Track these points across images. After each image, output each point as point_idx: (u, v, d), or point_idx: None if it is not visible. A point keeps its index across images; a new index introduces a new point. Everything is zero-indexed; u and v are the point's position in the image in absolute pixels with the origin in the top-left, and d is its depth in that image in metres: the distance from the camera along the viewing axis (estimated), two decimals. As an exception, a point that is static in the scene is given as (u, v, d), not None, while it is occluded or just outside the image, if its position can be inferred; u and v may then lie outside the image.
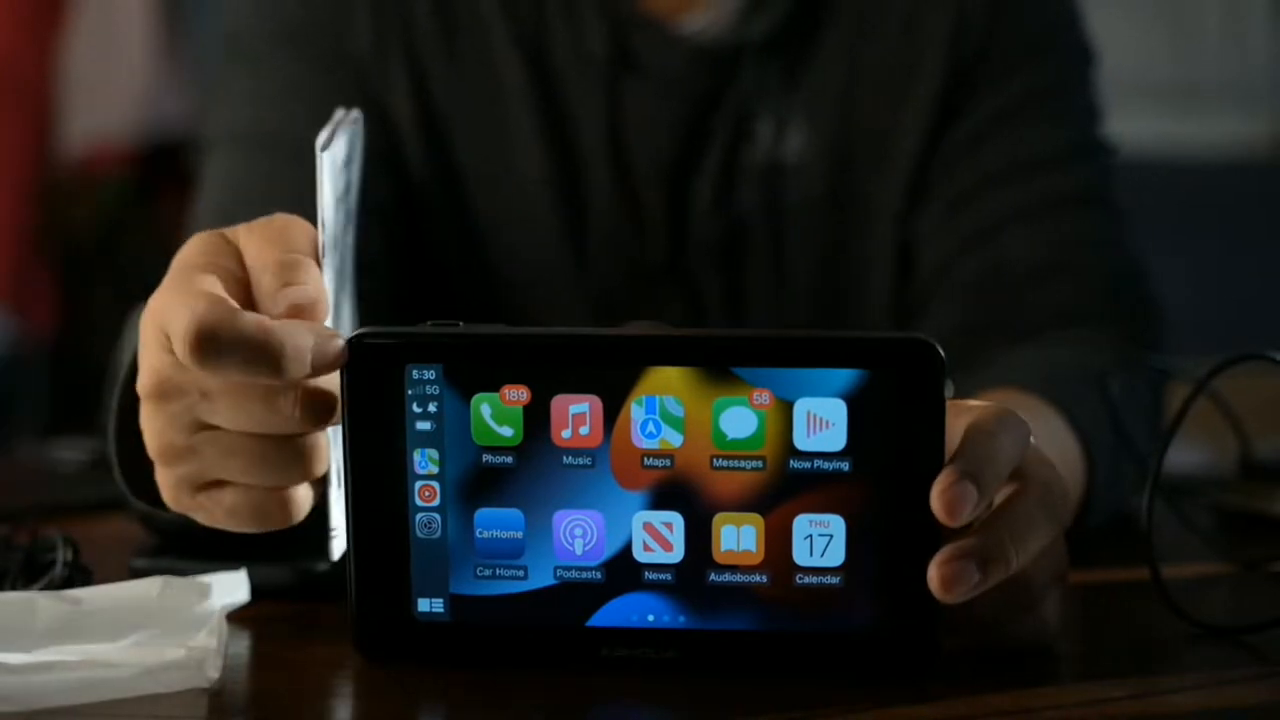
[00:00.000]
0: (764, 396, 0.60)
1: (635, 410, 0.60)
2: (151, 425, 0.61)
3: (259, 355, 0.57)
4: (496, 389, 0.60)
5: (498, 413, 0.60)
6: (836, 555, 0.60)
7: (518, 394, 0.60)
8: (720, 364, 0.60)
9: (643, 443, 0.60)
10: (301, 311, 0.59)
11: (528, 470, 0.61)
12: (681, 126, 1.02)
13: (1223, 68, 2.77)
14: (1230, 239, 2.61)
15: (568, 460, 0.61)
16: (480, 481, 0.61)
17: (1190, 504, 0.87)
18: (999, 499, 0.60)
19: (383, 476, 0.61)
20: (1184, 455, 0.97)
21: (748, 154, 1.02)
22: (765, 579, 0.61)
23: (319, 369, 0.58)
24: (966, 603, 0.59)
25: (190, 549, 0.72)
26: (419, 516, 0.61)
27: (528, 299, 1.04)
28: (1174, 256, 1.41)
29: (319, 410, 0.59)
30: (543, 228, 1.03)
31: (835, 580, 0.60)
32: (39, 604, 0.62)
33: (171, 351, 0.59)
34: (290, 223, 0.61)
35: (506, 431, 0.61)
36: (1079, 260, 0.99)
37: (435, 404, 0.61)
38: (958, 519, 0.58)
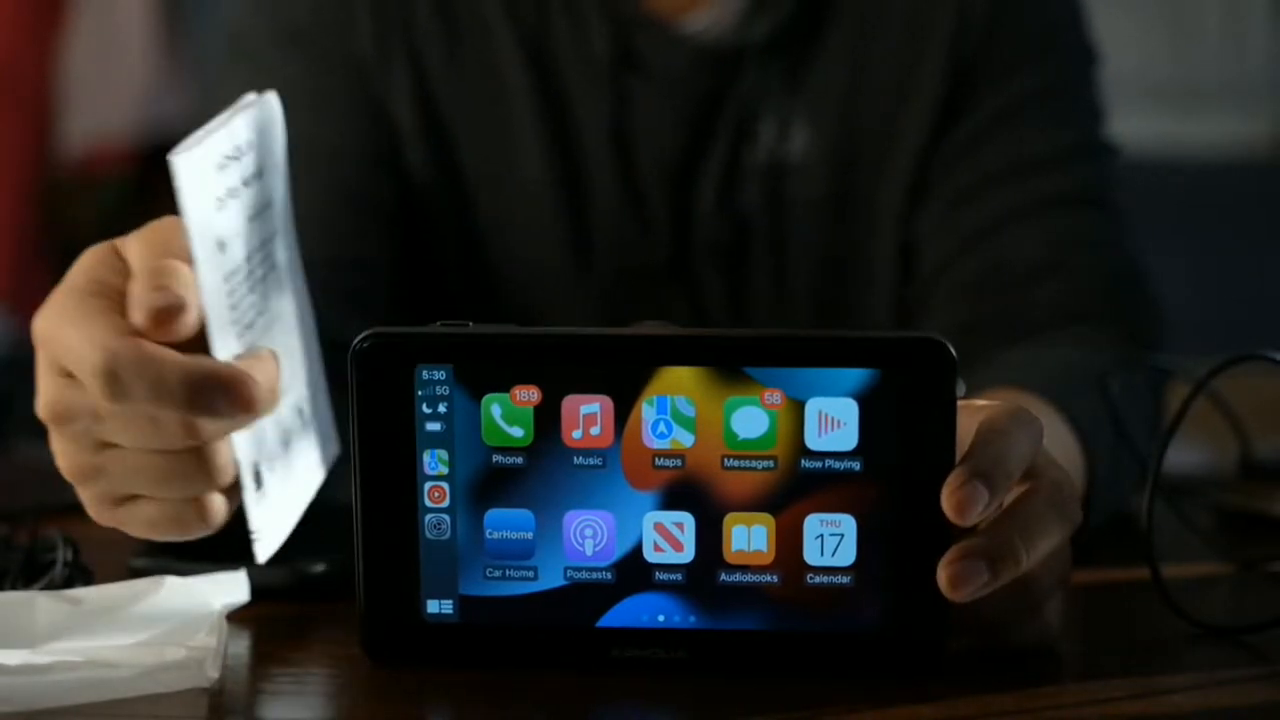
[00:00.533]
0: (775, 396, 0.60)
1: (646, 410, 0.60)
2: (57, 448, 0.61)
3: (167, 394, 0.56)
4: (507, 389, 0.60)
5: (508, 413, 0.61)
6: (847, 555, 0.60)
7: (528, 394, 0.60)
8: (732, 364, 0.60)
9: (654, 443, 0.60)
10: (164, 318, 0.57)
11: (538, 471, 0.61)
12: (684, 127, 1.02)
13: (1223, 68, 2.78)
14: (1230, 239, 2.61)
15: (578, 460, 0.61)
16: (490, 482, 0.61)
17: (1190, 504, 0.87)
18: (1010, 498, 0.60)
19: (392, 477, 0.61)
20: (1184, 455, 0.97)
21: (750, 154, 1.02)
22: (776, 579, 0.61)
23: (234, 411, 0.58)
24: (974, 604, 0.59)
25: (190, 549, 0.71)
26: (428, 518, 0.61)
27: (530, 299, 1.04)
28: (1174, 256, 1.41)
29: (209, 424, 0.58)
30: (545, 228, 1.04)
31: (846, 580, 0.61)
32: (39, 604, 0.62)
33: (64, 376, 0.59)
34: (172, 225, 0.60)
35: (517, 432, 0.61)
36: (1079, 260, 0.99)
37: (445, 404, 0.61)
38: (967, 519, 0.58)
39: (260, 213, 0.62)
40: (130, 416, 0.58)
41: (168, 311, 0.57)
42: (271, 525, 0.61)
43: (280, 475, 0.62)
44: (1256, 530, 0.90)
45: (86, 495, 0.61)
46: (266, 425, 0.61)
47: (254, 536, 0.60)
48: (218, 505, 0.60)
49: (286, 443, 0.62)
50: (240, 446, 0.59)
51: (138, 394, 0.56)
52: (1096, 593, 0.75)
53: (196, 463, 0.59)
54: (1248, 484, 0.94)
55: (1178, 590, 0.68)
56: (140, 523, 0.61)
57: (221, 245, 0.59)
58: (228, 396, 0.57)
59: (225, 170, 0.59)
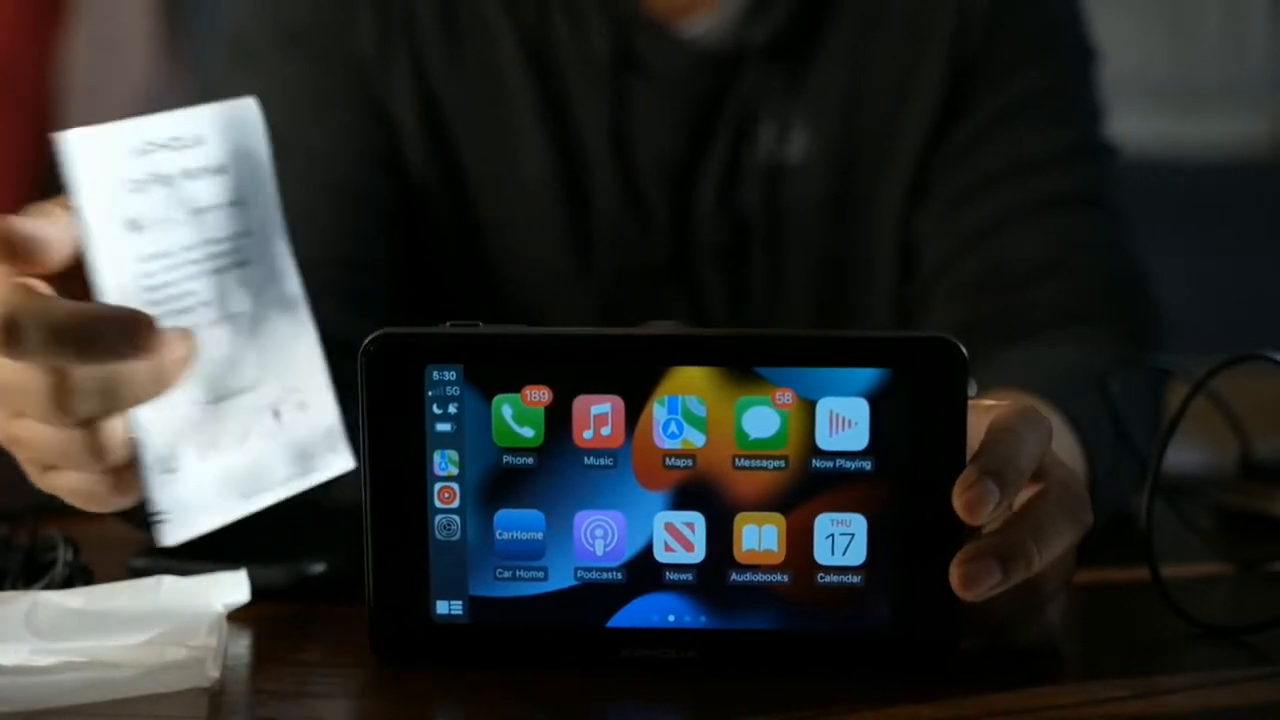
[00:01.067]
0: (787, 396, 0.60)
1: (657, 410, 0.60)
2: None
3: (62, 335, 0.56)
4: (518, 389, 0.61)
5: (519, 413, 0.61)
6: (858, 554, 0.61)
7: (539, 394, 0.61)
8: (743, 364, 0.60)
9: (665, 443, 0.61)
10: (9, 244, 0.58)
11: (549, 471, 0.61)
12: (685, 128, 1.02)
13: (1223, 68, 2.78)
14: (1230, 239, 2.61)
15: (589, 461, 0.61)
16: (501, 483, 0.61)
17: (1190, 504, 0.87)
18: (1021, 498, 0.61)
19: (402, 478, 0.61)
20: (1184, 455, 0.97)
21: (750, 155, 1.03)
22: (786, 578, 0.61)
23: (124, 348, 0.57)
24: (981, 604, 0.59)
25: (190, 549, 0.72)
26: (438, 518, 0.61)
27: (529, 299, 1.05)
28: (1174, 256, 1.41)
29: (82, 404, 0.58)
30: (545, 227, 1.04)
31: (856, 579, 0.61)
32: (39, 604, 0.62)
33: None
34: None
35: (527, 432, 0.61)
36: (1078, 259, 0.99)
37: (456, 405, 0.61)
38: (978, 517, 0.58)
39: (220, 207, 0.62)
40: (12, 388, 0.58)
41: (10, 241, 0.57)
42: (190, 512, 0.61)
43: (218, 466, 0.62)
44: (1256, 530, 0.90)
45: (20, 461, 0.62)
46: (198, 410, 0.61)
47: (158, 518, 0.60)
48: (129, 480, 0.60)
49: (243, 436, 0.62)
50: (146, 424, 0.59)
51: (34, 339, 0.56)
52: (1096, 593, 0.76)
53: (84, 440, 0.59)
54: (1248, 484, 0.94)
55: (1178, 590, 0.68)
56: (64, 491, 0.61)
57: (133, 225, 0.60)
58: (120, 335, 0.57)
59: (149, 155, 0.60)
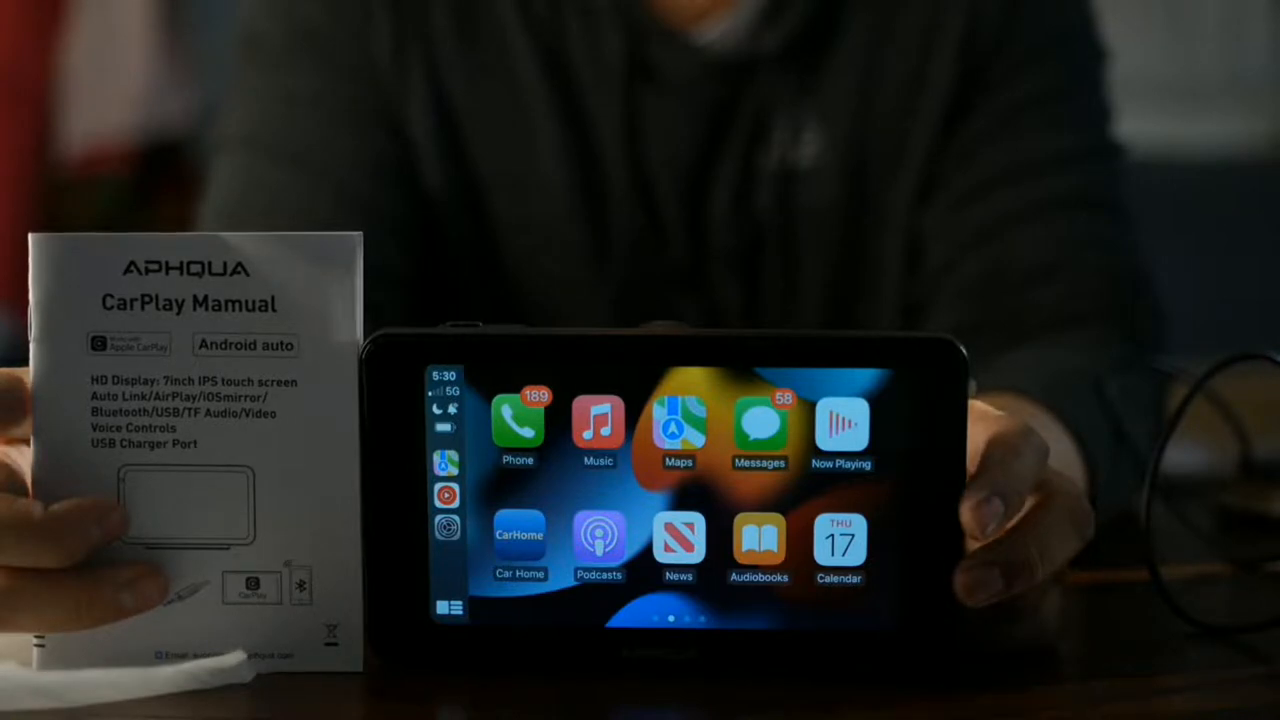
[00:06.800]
0: (786, 396, 0.60)
1: (657, 410, 0.60)
2: None
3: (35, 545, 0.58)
4: (518, 390, 0.61)
5: (519, 414, 0.61)
6: (858, 554, 0.61)
7: (539, 395, 0.61)
8: (743, 364, 0.60)
9: (664, 443, 0.61)
10: None
11: (548, 471, 0.61)
12: (698, 133, 1.02)
13: (1223, 68, 2.78)
14: (1230, 239, 2.61)
15: (589, 461, 0.61)
16: (501, 483, 0.61)
17: (1190, 504, 0.88)
18: (1026, 508, 0.61)
19: (402, 478, 0.61)
20: (1184, 455, 0.98)
21: (764, 159, 1.03)
22: (786, 579, 0.61)
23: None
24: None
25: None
26: (438, 519, 0.61)
27: (546, 304, 1.05)
28: (1174, 256, 1.41)
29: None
30: (562, 232, 1.04)
31: (856, 579, 0.61)
32: None
33: None
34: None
35: (527, 433, 0.61)
36: (1081, 262, 0.99)
37: (456, 405, 0.61)
38: (984, 533, 0.59)
39: (249, 350, 0.61)
40: None
41: None
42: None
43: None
44: (1256, 530, 0.91)
45: None
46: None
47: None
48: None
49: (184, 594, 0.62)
50: None
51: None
52: (1096, 593, 0.76)
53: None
54: (1248, 484, 0.95)
55: (1178, 590, 0.68)
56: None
57: (99, 342, 0.60)
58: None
59: (147, 277, 0.60)
